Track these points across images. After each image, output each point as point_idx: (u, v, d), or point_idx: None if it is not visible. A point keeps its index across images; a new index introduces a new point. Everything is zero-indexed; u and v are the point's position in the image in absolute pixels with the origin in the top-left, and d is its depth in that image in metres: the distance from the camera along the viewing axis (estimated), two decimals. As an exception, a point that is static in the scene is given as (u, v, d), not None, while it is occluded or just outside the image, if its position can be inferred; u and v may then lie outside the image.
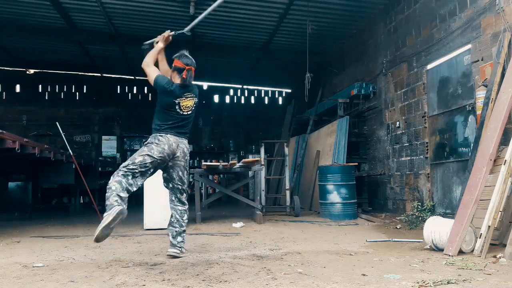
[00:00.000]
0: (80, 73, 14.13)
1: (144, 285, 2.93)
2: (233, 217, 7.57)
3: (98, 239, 3.37)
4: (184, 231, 4.15)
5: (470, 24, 5.76)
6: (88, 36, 10.24)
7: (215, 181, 11.81)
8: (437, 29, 6.60)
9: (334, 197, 7.37)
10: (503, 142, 4.35)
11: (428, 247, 4.23)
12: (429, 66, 6.92)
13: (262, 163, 8.08)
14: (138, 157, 3.76)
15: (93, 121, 14.27)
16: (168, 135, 3.89)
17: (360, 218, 7.34)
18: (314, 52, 9.63)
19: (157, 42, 4.26)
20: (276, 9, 8.65)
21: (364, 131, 9.30)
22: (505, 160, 4.03)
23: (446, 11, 6.39)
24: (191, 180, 12.17)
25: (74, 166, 8.41)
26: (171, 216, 4.19)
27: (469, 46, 5.83)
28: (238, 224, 6.55)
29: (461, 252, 3.88)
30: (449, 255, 3.82)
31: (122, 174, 3.70)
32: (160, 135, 3.88)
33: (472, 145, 5.44)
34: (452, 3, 6.23)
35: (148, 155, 3.78)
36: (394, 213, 7.68)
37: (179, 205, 4.15)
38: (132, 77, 14.50)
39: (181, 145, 3.96)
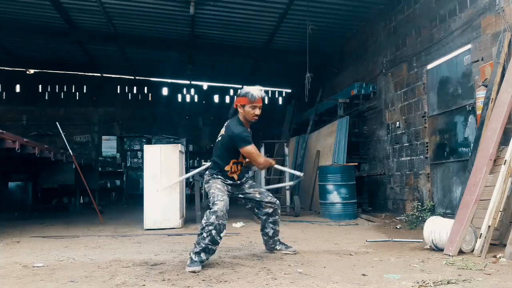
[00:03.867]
0: (80, 73, 14.13)
1: (144, 285, 2.93)
2: (233, 217, 7.54)
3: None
4: None
5: (470, 24, 5.76)
6: (88, 36, 10.25)
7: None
8: (437, 29, 6.60)
9: (334, 197, 7.37)
10: (503, 142, 4.35)
11: (428, 247, 4.23)
12: (429, 66, 6.92)
13: (262, 163, 8.06)
14: None
15: (93, 121, 14.25)
16: None
17: (360, 218, 7.34)
18: (314, 52, 9.62)
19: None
20: (276, 9, 8.65)
21: (364, 131, 9.30)
22: (505, 160, 4.03)
23: (446, 11, 6.39)
24: (191, 180, 12.20)
25: (74, 166, 8.40)
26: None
27: (469, 46, 5.83)
28: (238, 224, 6.55)
29: (461, 252, 3.88)
30: (449, 255, 3.82)
31: None
32: None
33: (472, 145, 5.44)
34: (452, 3, 6.23)
35: None
36: (394, 213, 7.68)
37: None
38: (132, 77, 14.49)
39: None
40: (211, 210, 3.60)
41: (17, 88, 13.95)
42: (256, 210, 4.09)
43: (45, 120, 13.37)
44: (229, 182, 3.93)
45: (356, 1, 8.26)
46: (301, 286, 2.85)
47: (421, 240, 4.48)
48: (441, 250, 4.04)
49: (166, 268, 3.49)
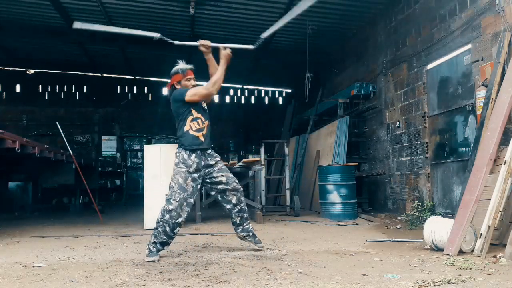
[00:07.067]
0: (80, 73, 14.12)
1: (144, 285, 2.93)
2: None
3: None
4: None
5: (470, 24, 5.76)
6: (88, 36, 10.24)
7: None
8: (437, 29, 6.60)
9: (334, 197, 7.37)
10: (503, 142, 4.35)
11: (428, 247, 4.23)
12: (429, 66, 6.92)
13: (262, 163, 8.07)
14: None
15: (93, 121, 14.24)
16: None
17: (360, 218, 7.34)
18: (314, 52, 9.62)
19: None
20: (276, 9, 8.64)
21: (364, 131, 9.30)
22: (505, 160, 4.03)
23: (446, 11, 6.39)
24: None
25: (74, 166, 8.42)
26: None
27: (469, 46, 5.83)
28: (238, 224, 6.53)
29: (461, 252, 3.88)
30: (449, 255, 3.82)
31: None
32: None
33: (472, 145, 5.45)
34: (452, 3, 6.23)
35: None
36: (394, 213, 7.68)
37: None
38: (132, 77, 14.48)
39: None
40: (166, 209, 3.83)
41: (17, 88, 13.93)
42: (220, 198, 4.12)
43: (45, 120, 13.36)
44: (196, 160, 3.90)
45: (356, 1, 8.25)
46: (301, 286, 2.85)
47: (421, 240, 4.48)
48: (441, 250, 4.05)
49: (166, 268, 3.49)
